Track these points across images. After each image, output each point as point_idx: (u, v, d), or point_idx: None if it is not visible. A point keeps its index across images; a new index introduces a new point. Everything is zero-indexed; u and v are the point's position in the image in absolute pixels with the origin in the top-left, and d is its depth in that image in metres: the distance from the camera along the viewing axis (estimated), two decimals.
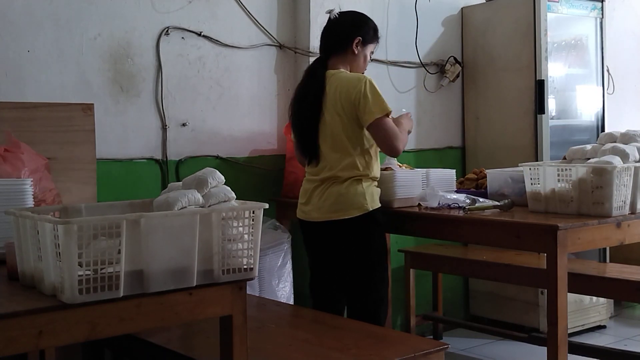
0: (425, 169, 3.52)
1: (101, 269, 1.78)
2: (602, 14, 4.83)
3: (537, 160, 4.31)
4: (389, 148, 3.04)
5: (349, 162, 3.04)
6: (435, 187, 3.38)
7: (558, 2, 4.58)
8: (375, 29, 3.21)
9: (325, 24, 3.21)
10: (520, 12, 4.55)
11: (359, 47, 3.14)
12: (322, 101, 3.06)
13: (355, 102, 2.99)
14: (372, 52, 3.23)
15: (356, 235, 3.06)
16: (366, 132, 3.05)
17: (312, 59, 4.03)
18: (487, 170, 3.59)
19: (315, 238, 3.19)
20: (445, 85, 4.81)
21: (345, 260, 3.12)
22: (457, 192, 3.50)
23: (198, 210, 1.97)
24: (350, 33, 3.12)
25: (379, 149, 3.12)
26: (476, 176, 3.75)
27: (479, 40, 4.82)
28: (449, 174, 3.60)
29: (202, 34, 3.82)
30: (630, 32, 5.77)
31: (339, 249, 3.12)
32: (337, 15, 3.18)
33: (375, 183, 3.14)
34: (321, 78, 3.08)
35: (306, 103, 3.10)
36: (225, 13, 3.93)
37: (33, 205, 2.43)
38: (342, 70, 3.12)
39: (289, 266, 3.81)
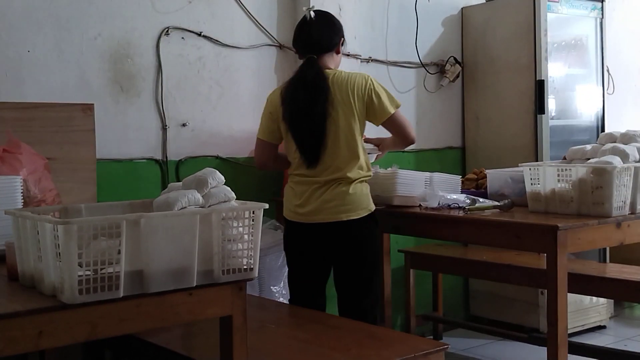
0: (429, 173, 3.50)
1: (101, 269, 1.78)
2: (602, 14, 4.83)
3: (537, 161, 4.31)
4: (407, 138, 3.17)
5: (357, 163, 3.05)
6: (436, 188, 3.38)
7: (558, 2, 4.58)
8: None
9: (301, 24, 3.16)
10: (520, 12, 4.55)
11: (341, 47, 3.21)
12: (330, 101, 3.02)
13: (367, 100, 3.03)
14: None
15: (361, 236, 3.07)
16: (361, 137, 3.10)
17: None
18: (487, 171, 3.60)
19: (312, 239, 3.11)
20: (445, 85, 4.81)
21: (345, 260, 3.10)
22: None
23: (198, 210, 1.97)
24: (338, 33, 3.18)
25: None
26: (476, 176, 3.75)
27: (479, 40, 4.82)
28: (454, 179, 3.57)
29: (202, 34, 3.82)
30: (630, 32, 5.77)
31: (340, 250, 3.09)
32: (315, 15, 3.12)
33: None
34: (325, 77, 3.04)
35: (317, 103, 3.01)
36: (225, 13, 3.93)
37: (22, 203, 2.43)
38: (336, 69, 3.14)
39: None
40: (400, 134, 3.16)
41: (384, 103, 3.05)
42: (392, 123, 3.10)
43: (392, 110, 3.07)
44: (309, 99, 3.01)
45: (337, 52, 3.18)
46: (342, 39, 3.20)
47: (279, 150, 3.23)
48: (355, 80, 3.05)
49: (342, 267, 3.12)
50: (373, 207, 3.10)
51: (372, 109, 3.05)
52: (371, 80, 3.07)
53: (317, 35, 3.11)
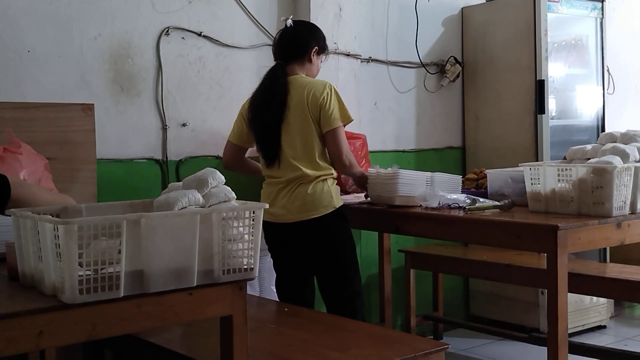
0: (430, 173, 3.49)
1: (101, 269, 1.78)
2: (603, 14, 4.83)
3: (537, 160, 4.31)
4: (339, 157, 3.21)
5: (314, 163, 3.18)
6: (436, 188, 3.38)
7: (558, 2, 4.58)
8: (325, 39, 3.42)
9: (280, 32, 3.40)
10: (520, 12, 4.55)
11: (314, 56, 3.34)
12: (287, 105, 3.18)
13: (321, 106, 3.16)
14: (321, 61, 3.44)
15: (327, 233, 3.20)
16: (318, 139, 3.21)
17: None
18: (487, 171, 3.60)
19: (284, 239, 3.27)
20: (445, 85, 4.81)
21: (317, 258, 3.24)
22: None
23: (198, 210, 1.97)
24: (309, 42, 3.32)
25: None
26: (476, 176, 3.75)
27: (479, 40, 4.82)
28: (455, 179, 3.57)
29: (202, 34, 3.82)
30: (630, 32, 5.77)
31: (311, 248, 3.23)
32: (292, 24, 3.35)
33: (336, 182, 3.29)
34: (285, 83, 3.22)
35: (272, 106, 3.20)
36: (225, 13, 3.93)
37: None
38: (301, 75, 3.28)
39: None
40: (335, 150, 3.20)
41: (334, 113, 3.16)
42: (333, 136, 3.17)
43: (338, 123, 3.18)
44: (265, 102, 3.22)
45: (310, 61, 3.32)
46: (315, 48, 3.32)
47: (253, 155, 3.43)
48: (315, 85, 3.21)
49: (316, 263, 3.27)
50: (338, 204, 3.22)
51: (322, 115, 3.16)
52: (331, 88, 3.21)
53: (287, 44, 3.32)
